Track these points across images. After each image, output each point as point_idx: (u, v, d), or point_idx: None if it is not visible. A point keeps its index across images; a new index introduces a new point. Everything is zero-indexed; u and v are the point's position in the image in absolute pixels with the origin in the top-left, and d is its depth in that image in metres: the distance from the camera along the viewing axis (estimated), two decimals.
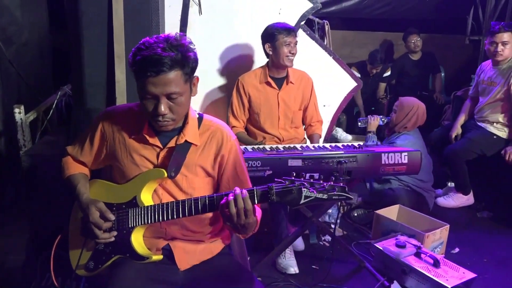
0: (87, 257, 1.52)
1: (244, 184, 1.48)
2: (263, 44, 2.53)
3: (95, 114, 1.63)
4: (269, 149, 2.27)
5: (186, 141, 1.46)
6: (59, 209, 1.72)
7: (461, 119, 3.45)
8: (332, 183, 1.23)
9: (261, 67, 2.65)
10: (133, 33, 2.09)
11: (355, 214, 3.07)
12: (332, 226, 2.87)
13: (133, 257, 1.45)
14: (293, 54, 2.50)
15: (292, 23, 2.84)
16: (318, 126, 2.77)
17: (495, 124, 3.22)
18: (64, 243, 1.61)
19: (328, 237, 2.77)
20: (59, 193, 1.84)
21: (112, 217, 1.44)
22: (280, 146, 2.35)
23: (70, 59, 2.18)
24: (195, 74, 1.42)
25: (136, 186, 1.46)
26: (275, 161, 2.06)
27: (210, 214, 1.51)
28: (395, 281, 2.30)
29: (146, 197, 1.46)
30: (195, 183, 1.48)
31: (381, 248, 2.40)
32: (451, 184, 3.44)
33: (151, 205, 1.43)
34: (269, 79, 2.58)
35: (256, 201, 1.30)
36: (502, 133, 3.18)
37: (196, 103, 2.85)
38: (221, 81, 2.90)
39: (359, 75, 4.25)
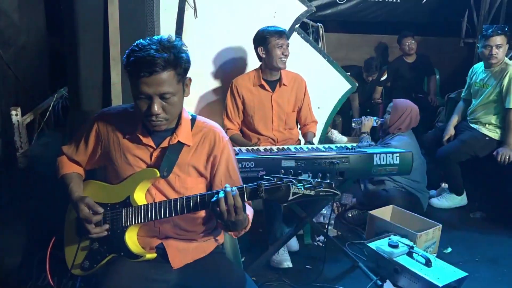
0: (83, 256, 1.55)
1: (236, 183, 1.50)
2: (256, 47, 2.57)
3: (91, 115, 1.66)
4: (263, 150, 2.30)
5: (179, 141, 1.49)
6: (55, 210, 1.74)
7: (454, 120, 3.48)
8: (319, 180, 1.27)
9: (255, 70, 2.69)
10: (129, 36, 2.12)
11: (350, 215, 3.10)
12: (328, 227, 2.90)
13: (127, 256, 1.48)
14: (286, 56, 2.54)
15: (287, 26, 2.89)
16: (312, 125, 2.80)
17: (487, 125, 3.25)
18: (60, 244, 1.64)
19: (322, 238, 2.79)
20: (55, 194, 1.86)
21: (100, 209, 1.47)
22: (274, 148, 2.38)
23: (66, 61, 2.21)
24: (187, 75, 1.45)
25: (129, 186, 1.49)
26: (268, 161, 2.09)
27: (202, 214, 1.54)
28: (387, 280, 2.33)
29: (140, 197, 1.49)
30: (187, 182, 1.51)
31: (374, 248, 2.43)
32: (444, 185, 3.47)
33: (144, 204, 1.46)
34: (263, 82, 2.62)
35: (246, 198, 1.33)
36: (494, 134, 3.22)
37: (191, 105, 2.88)
38: (216, 83, 2.93)
39: (357, 84, 4.28)
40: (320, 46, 3.45)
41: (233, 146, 2.38)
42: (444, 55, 5.16)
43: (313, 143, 2.65)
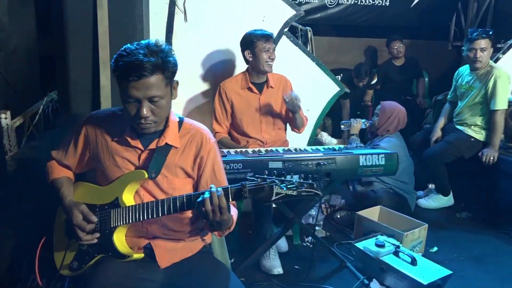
0: (71, 257, 1.57)
1: (221, 184, 1.53)
2: (243, 51, 2.61)
3: (80, 118, 1.69)
4: (251, 152, 2.33)
5: (166, 143, 1.52)
6: (44, 212, 1.76)
7: (441, 122, 3.54)
8: (301, 180, 1.30)
9: (242, 73, 2.72)
10: (118, 39, 2.14)
11: (338, 216, 3.14)
12: (316, 228, 2.94)
13: (115, 256, 1.50)
14: (272, 60, 2.58)
15: (276, 30, 2.93)
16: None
17: (472, 127, 3.31)
18: (49, 245, 1.65)
19: (311, 238, 2.83)
20: (44, 197, 1.88)
21: (94, 219, 1.49)
22: (262, 150, 2.41)
23: (56, 65, 2.22)
24: (175, 78, 1.48)
25: (118, 188, 1.51)
26: (256, 163, 2.13)
27: (190, 214, 1.57)
28: (374, 279, 2.37)
29: (128, 198, 1.51)
30: (175, 183, 1.54)
31: (361, 248, 2.48)
32: (432, 186, 3.52)
33: (132, 205, 1.49)
34: (250, 85, 2.66)
35: (230, 198, 1.36)
36: (479, 135, 3.28)
37: (180, 108, 2.90)
38: (205, 86, 2.96)
39: (348, 91, 4.35)
40: (309, 49, 3.49)
41: (222, 148, 2.42)
42: (433, 58, 5.23)
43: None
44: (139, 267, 1.52)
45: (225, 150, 2.35)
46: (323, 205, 3.23)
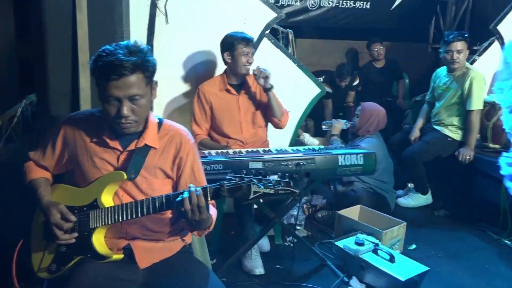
0: (49, 259, 1.56)
1: (200, 184, 1.54)
2: (222, 52, 2.63)
3: (59, 121, 1.68)
4: (232, 153, 2.35)
5: (145, 144, 1.52)
6: (22, 216, 1.75)
7: (420, 123, 3.63)
8: (278, 179, 1.33)
9: (220, 75, 2.75)
10: (97, 42, 2.13)
11: (319, 216, 3.18)
12: (297, 228, 2.98)
13: (94, 257, 1.50)
14: (250, 64, 2.61)
15: (257, 32, 2.96)
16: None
17: (449, 127, 3.40)
18: (26, 248, 1.64)
19: (292, 238, 2.86)
20: (22, 200, 1.86)
21: (73, 218, 1.49)
22: (243, 150, 2.43)
23: (35, 67, 2.21)
24: (154, 79, 1.50)
25: (96, 189, 1.51)
26: (237, 163, 2.15)
27: (169, 214, 1.58)
28: (353, 277, 2.41)
29: (107, 199, 1.51)
30: (154, 184, 1.55)
31: (341, 246, 2.52)
32: (411, 185, 3.60)
33: (111, 206, 1.49)
34: (228, 86, 2.68)
35: (209, 197, 1.38)
36: (456, 135, 3.37)
37: (161, 109, 2.91)
38: (186, 87, 2.97)
39: (330, 90, 4.42)
40: (290, 51, 3.53)
41: (203, 150, 2.44)
42: (413, 60, 5.34)
43: None
44: (119, 268, 1.52)
45: (206, 151, 2.36)
46: (304, 205, 3.27)
